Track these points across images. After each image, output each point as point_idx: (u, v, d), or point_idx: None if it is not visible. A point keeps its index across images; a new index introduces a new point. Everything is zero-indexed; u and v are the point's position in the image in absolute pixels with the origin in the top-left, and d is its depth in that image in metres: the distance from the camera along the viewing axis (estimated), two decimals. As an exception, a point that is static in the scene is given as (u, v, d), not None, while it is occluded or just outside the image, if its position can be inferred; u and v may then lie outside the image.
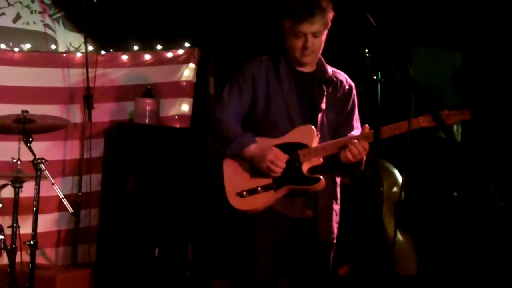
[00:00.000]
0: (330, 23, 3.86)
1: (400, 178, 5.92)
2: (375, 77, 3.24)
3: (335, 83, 3.98)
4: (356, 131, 3.96)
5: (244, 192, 3.81)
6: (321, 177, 3.78)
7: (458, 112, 3.67)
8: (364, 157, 3.81)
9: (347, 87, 4.02)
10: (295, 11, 3.76)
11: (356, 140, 3.72)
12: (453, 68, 6.75)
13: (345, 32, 3.92)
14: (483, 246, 5.71)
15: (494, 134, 6.07)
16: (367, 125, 3.80)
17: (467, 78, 6.50)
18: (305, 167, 3.80)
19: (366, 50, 3.30)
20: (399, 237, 5.79)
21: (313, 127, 3.82)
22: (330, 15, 3.83)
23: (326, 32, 3.88)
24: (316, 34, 3.81)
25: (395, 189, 5.87)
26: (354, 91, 4.04)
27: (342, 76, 4.05)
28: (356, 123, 4.03)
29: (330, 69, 4.01)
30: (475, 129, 5.99)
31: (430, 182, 6.26)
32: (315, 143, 3.81)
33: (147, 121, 6.41)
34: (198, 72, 6.89)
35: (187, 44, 6.88)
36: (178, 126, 6.74)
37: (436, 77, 6.78)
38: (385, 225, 5.62)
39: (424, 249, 5.96)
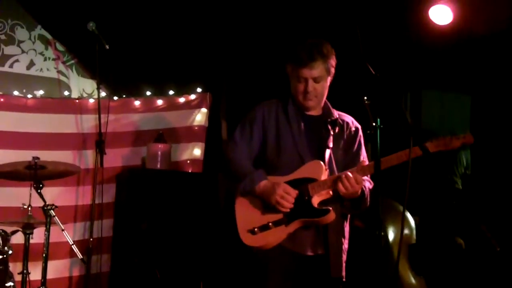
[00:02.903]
0: (333, 70, 3.97)
1: (412, 221, 5.90)
2: (374, 124, 3.27)
3: (341, 125, 4.07)
4: None
5: (256, 229, 3.83)
6: (331, 208, 3.79)
7: (461, 136, 3.72)
8: (367, 193, 3.88)
9: (353, 128, 4.11)
10: (297, 57, 3.91)
11: (350, 173, 3.75)
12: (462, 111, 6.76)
13: (345, 79, 3.97)
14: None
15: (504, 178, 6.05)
16: (364, 160, 3.92)
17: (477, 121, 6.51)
18: (315, 201, 3.83)
19: (365, 98, 3.34)
20: (412, 280, 5.75)
21: (321, 162, 3.87)
22: (332, 61, 3.95)
23: (329, 78, 3.99)
24: (317, 80, 3.92)
25: (407, 231, 5.84)
26: (360, 133, 4.11)
27: (348, 118, 4.14)
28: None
29: (336, 113, 4.10)
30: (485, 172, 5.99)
31: (443, 226, 6.23)
32: (324, 177, 3.85)
33: (159, 166, 6.41)
34: (210, 116, 6.94)
35: (199, 89, 6.94)
36: (190, 171, 6.77)
37: (446, 120, 6.79)
38: (399, 267, 5.58)
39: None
